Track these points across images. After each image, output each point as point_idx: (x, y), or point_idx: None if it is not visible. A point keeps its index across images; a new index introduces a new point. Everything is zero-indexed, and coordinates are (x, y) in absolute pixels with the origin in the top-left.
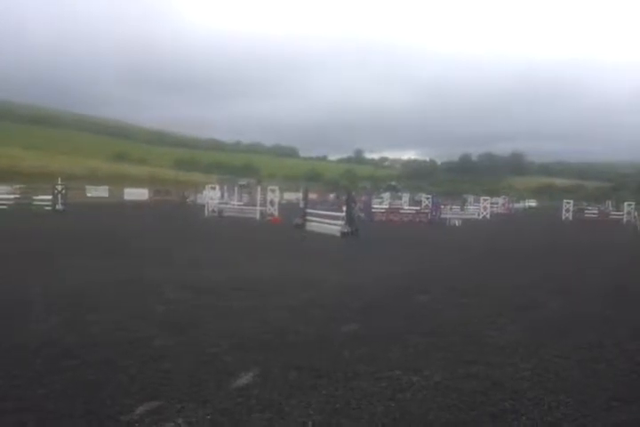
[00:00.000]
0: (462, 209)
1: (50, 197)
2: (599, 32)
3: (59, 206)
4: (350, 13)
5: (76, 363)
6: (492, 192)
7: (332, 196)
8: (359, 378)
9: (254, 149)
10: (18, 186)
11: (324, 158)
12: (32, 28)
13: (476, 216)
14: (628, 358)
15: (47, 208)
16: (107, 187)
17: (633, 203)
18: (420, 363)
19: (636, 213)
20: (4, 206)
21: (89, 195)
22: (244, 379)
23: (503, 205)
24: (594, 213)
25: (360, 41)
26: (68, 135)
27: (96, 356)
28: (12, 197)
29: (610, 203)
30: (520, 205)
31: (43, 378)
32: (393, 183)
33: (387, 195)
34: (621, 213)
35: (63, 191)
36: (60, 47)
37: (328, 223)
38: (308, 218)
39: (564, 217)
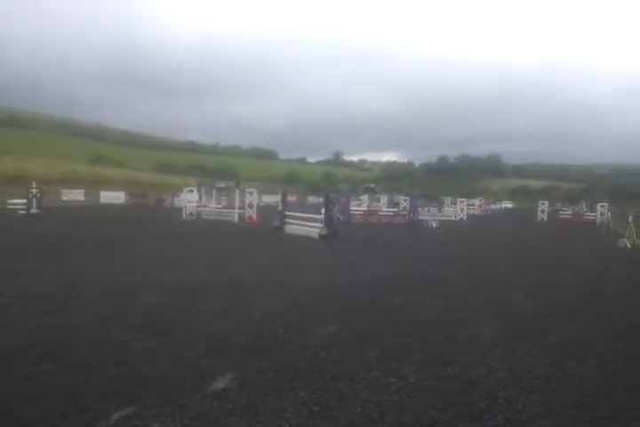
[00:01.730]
0: (440, 211)
1: (24, 200)
2: (576, 35)
3: (33, 210)
4: (329, 16)
5: (52, 367)
6: (469, 194)
7: (310, 198)
8: (336, 380)
9: (233, 151)
10: None
11: (303, 161)
12: (8, 29)
13: (452, 218)
14: (598, 356)
15: (22, 212)
16: (82, 190)
17: (606, 204)
18: (397, 364)
19: (608, 214)
20: None
21: (64, 198)
22: (221, 382)
23: (480, 206)
24: (568, 214)
25: (340, 43)
26: (45, 138)
27: (72, 359)
28: None
29: (584, 204)
30: (496, 206)
31: (17, 382)
32: (371, 185)
33: (365, 197)
34: (595, 213)
35: (38, 195)
36: (37, 48)
37: (306, 226)
38: (287, 220)
39: (539, 218)
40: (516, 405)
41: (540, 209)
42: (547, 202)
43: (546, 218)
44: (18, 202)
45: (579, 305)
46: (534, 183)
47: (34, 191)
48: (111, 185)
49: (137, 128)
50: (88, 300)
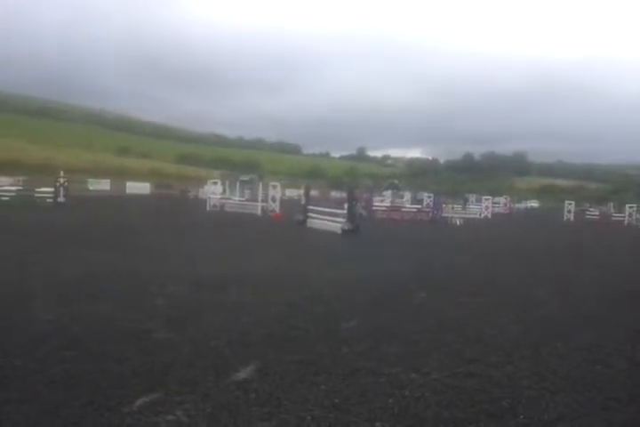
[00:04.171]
0: (464, 208)
1: (52, 189)
2: (606, 31)
3: (60, 199)
4: (355, 9)
5: (77, 354)
6: (494, 192)
7: (333, 193)
8: (358, 374)
9: (257, 144)
10: (21, 178)
11: (326, 155)
12: (36, 21)
13: (477, 216)
14: (625, 359)
15: (49, 200)
16: (108, 180)
17: (634, 205)
18: (419, 361)
19: (637, 215)
20: (7, 198)
21: (91, 188)
22: (244, 373)
23: (505, 204)
24: (595, 215)
25: (365, 38)
26: (72, 128)
27: (97, 347)
28: (14, 188)
29: (612, 204)
30: (522, 205)
31: (44, 368)
32: (395, 181)
33: (388, 193)
34: (623, 214)
35: (65, 184)
36: (64, 40)
37: (329, 220)
38: (310, 214)
39: (565, 218)
40: (540, 405)
41: (566, 209)
42: (573, 202)
43: (572, 218)
44: (46, 190)
45: (606, 307)
46: (561, 182)
47: (61, 180)
48: (136, 176)
49: (163, 120)
50: (112, 290)
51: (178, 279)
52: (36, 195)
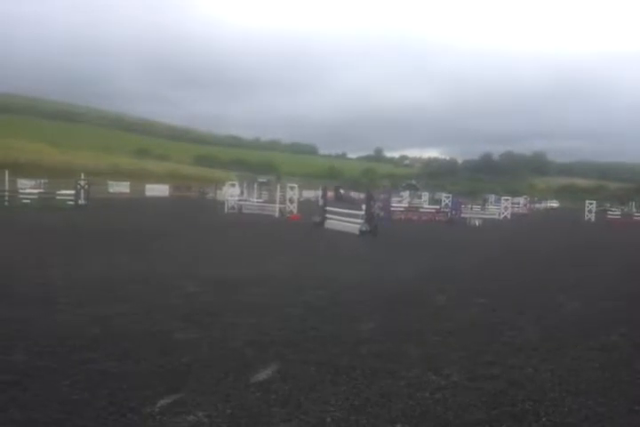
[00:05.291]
0: (483, 209)
1: (73, 191)
2: (629, 25)
3: (81, 201)
4: (369, 9)
5: (99, 355)
6: (514, 192)
7: (352, 194)
8: (377, 376)
9: (273, 146)
10: (42, 181)
11: (343, 156)
12: (54, 24)
13: (496, 216)
14: None
15: (70, 203)
16: (128, 183)
17: None
18: (439, 362)
19: None
20: (28, 201)
21: (111, 190)
22: (264, 373)
23: (524, 205)
24: (617, 215)
25: (380, 37)
26: (91, 131)
27: (118, 348)
28: (35, 191)
29: (633, 204)
30: (541, 205)
31: (66, 369)
32: (412, 182)
33: (406, 193)
34: None
35: (86, 186)
36: (83, 43)
37: (347, 221)
38: (328, 216)
39: (586, 218)
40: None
41: (587, 209)
42: (594, 202)
43: (593, 218)
44: (66, 193)
45: (625, 308)
46: (581, 182)
47: (82, 183)
48: (155, 178)
49: (181, 122)
50: (135, 291)
51: (198, 281)
52: (58, 197)
